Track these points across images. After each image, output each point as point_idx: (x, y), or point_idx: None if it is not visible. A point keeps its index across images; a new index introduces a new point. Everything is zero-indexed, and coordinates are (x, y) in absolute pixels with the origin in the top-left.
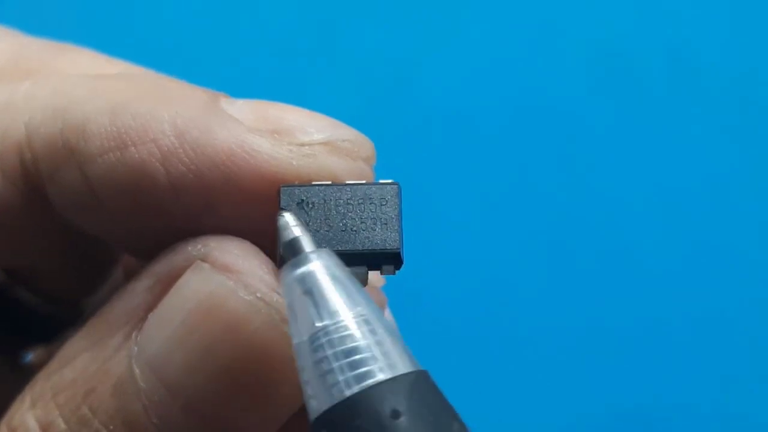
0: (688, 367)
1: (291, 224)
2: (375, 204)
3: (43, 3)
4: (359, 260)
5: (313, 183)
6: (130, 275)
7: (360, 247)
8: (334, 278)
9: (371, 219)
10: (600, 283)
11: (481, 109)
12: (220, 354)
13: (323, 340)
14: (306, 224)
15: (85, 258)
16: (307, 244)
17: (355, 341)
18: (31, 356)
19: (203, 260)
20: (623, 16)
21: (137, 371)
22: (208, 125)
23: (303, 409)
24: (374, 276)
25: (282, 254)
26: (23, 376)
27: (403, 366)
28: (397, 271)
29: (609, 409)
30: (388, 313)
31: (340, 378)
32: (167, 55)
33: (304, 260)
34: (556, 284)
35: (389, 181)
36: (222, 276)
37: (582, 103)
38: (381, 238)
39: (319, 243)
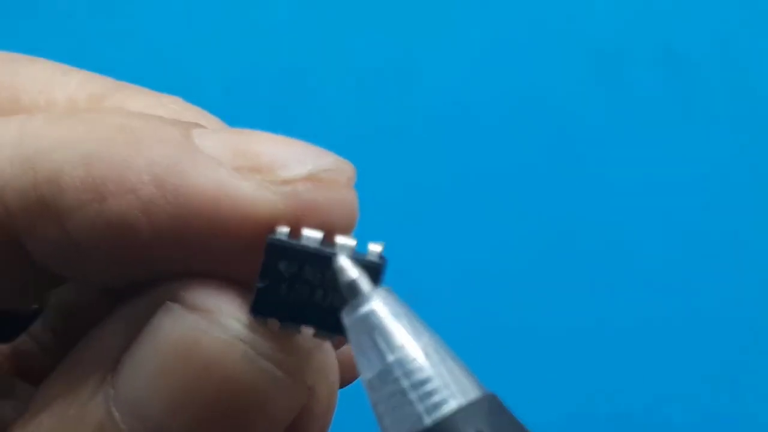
0: (684, 367)
1: (347, 267)
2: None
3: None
4: (322, 330)
5: (300, 243)
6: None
7: (322, 322)
8: (396, 314)
9: (339, 298)
10: (597, 282)
11: (479, 108)
12: (199, 394)
13: (396, 373)
14: (278, 287)
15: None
16: (365, 284)
17: (427, 371)
18: None
19: (172, 300)
20: (621, 15)
21: (117, 414)
22: (187, 170)
23: None
24: None
25: (343, 296)
26: None
27: (473, 391)
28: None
29: (605, 409)
30: None
31: (420, 408)
32: (166, 54)
33: (366, 299)
34: (556, 284)
35: (375, 256)
36: (194, 316)
37: (579, 102)
38: (335, 325)
39: (283, 309)
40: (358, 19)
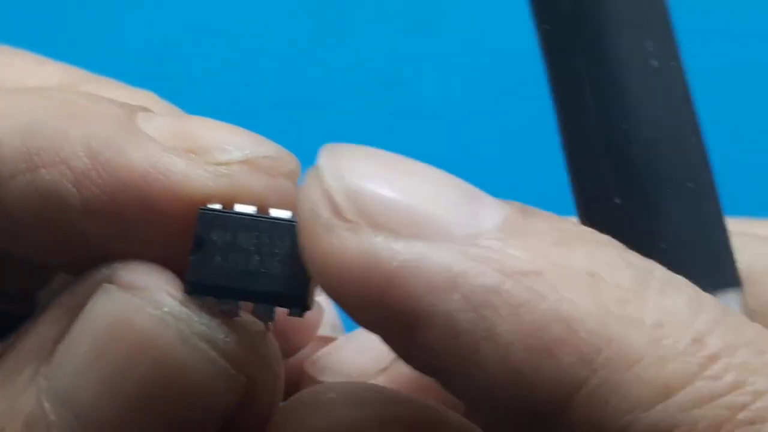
0: None
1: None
2: (285, 241)
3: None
4: (262, 302)
5: (233, 210)
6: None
7: (261, 290)
8: None
9: (279, 259)
10: None
11: (478, 108)
12: (132, 375)
13: None
14: (212, 258)
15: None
16: None
17: None
18: None
19: (109, 282)
20: None
21: (47, 405)
22: (121, 145)
23: (227, 426)
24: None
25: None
26: None
27: None
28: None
29: None
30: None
31: None
32: (166, 54)
33: None
34: None
35: (287, 217)
36: (127, 294)
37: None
38: (286, 282)
39: (220, 279)
40: (355, 17)
